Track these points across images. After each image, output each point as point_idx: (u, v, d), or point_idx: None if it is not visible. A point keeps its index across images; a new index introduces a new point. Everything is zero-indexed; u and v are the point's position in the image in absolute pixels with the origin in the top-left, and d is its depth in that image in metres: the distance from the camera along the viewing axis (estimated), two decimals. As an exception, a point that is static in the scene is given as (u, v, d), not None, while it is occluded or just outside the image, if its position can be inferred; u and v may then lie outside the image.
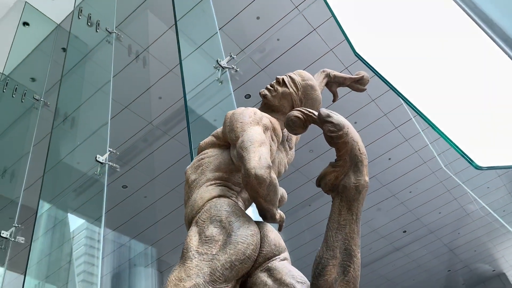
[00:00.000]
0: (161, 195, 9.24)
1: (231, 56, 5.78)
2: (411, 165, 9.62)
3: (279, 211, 1.89)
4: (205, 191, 1.86)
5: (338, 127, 1.45)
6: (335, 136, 1.45)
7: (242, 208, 1.92)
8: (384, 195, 10.32)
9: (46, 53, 8.96)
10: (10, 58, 8.93)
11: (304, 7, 6.85)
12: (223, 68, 5.59)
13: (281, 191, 2.07)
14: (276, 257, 1.70)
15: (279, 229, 1.99)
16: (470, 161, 2.55)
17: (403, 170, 9.75)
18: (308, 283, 1.54)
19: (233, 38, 7.13)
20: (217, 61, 5.66)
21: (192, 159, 4.02)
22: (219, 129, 2.07)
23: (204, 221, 1.71)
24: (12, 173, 8.70)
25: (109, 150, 6.44)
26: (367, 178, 1.46)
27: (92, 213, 7.25)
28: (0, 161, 9.04)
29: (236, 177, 1.93)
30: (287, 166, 2.22)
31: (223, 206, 1.75)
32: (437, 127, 2.66)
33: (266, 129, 1.93)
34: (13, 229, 7.35)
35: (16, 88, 8.72)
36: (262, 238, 1.71)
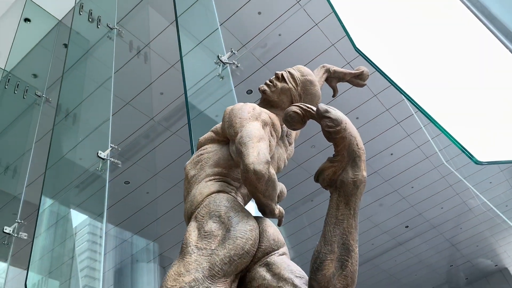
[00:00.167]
0: (163, 191, 9.26)
1: (232, 51, 5.78)
2: (413, 160, 9.61)
3: (278, 206, 1.89)
4: (204, 187, 1.86)
5: (336, 122, 1.45)
6: (333, 131, 1.45)
7: (241, 203, 1.92)
8: (386, 190, 10.31)
9: (47, 49, 8.96)
10: (11, 54, 8.94)
11: (305, 2, 6.83)
12: (224, 63, 5.59)
13: (280, 186, 2.07)
14: (275, 252, 1.71)
15: (279, 224, 1.99)
16: (470, 156, 2.55)
17: (405, 165, 9.74)
18: (307, 277, 1.54)
19: (234, 33, 7.12)
20: (218, 56, 5.65)
21: (193, 155, 4.02)
22: (218, 125, 2.08)
23: (203, 216, 1.72)
24: (15, 169, 8.73)
25: (111, 146, 6.45)
26: (365, 173, 1.46)
27: (94, 209, 7.28)
28: (2, 157, 9.07)
29: (235, 173, 1.94)
30: (286, 161, 2.22)
31: (222, 201, 1.76)
32: (437, 122, 2.65)
33: (265, 124, 1.94)
34: (16, 225, 7.39)
35: (18, 84, 8.74)
36: (261, 233, 1.72)
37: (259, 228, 1.72)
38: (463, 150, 2.62)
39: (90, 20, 8.09)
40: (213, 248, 1.59)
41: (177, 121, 8.22)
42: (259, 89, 2.20)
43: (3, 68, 9.06)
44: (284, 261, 1.66)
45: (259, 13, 7.13)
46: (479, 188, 10.23)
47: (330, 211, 1.48)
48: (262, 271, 1.64)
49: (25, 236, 7.38)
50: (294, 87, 2.16)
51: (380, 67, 3.49)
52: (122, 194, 9.16)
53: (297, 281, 1.54)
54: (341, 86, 2.68)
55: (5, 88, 8.83)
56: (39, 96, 8.62)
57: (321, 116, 1.49)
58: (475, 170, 9.19)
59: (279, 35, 7.21)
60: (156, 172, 9.01)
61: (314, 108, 1.55)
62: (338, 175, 1.49)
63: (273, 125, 2.01)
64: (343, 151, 1.47)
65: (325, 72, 2.52)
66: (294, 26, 7.08)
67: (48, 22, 8.98)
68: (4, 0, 8.91)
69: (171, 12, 6.80)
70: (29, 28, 8.92)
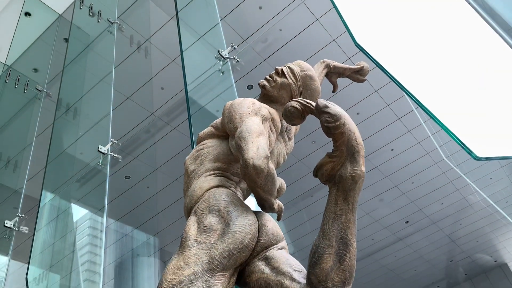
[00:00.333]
0: (164, 186, 9.29)
1: (232, 46, 5.77)
2: (414, 156, 9.61)
3: (277, 201, 1.90)
4: (204, 181, 1.87)
5: (335, 117, 1.45)
6: (332, 127, 1.45)
7: (241, 198, 1.93)
8: (387, 185, 10.33)
9: (48, 43, 8.95)
10: (12, 48, 8.93)
11: (306, -3, 6.81)
12: (224, 58, 5.58)
13: (280, 181, 2.08)
14: (274, 246, 1.72)
15: (278, 219, 2.00)
16: (469, 152, 2.55)
17: (405, 161, 9.75)
18: (305, 271, 1.55)
19: (235, 28, 7.10)
20: (218, 51, 5.65)
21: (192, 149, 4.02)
22: (218, 120, 2.08)
23: (203, 211, 1.73)
24: (16, 164, 8.75)
25: (111, 141, 6.46)
26: (363, 168, 1.47)
27: (95, 203, 7.31)
28: (3, 151, 9.09)
29: (235, 168, 1.95)
30: (286, 156, 2.22)
31: (221, 196, 1.76)
32: (436, 118, 2.66)
33: (264, 119, 1.94)
34: (16, 218, 7.42)
35: (18, 78, 8.74)
36: (260, 227, 1.73)
37: (258, 222, 1.73)
38: (463, 145, 2.63)
39: (90, 14, 8.08)
40: (212, 242, 1.60)
41: (178, 116, 8.23)
42: (259, 84, 2.20)
43: (4, 63, 9.06)
44: (283, 255, 1.67)
45: (260, 7, 7.11)
46: (479, 184, 10.24)
47: (329, 205, 1.49)
48: (261, 265, 1.65)
49: (26, 230, 7.41)
50: (294, 82, 2.16)
51: (380, 63, 3.49)
52: (122, 188, 9.18)
53: (295, 275, 1.55)
54: (342, 81, 2.68)
55: (6, 82, 8.84)
56: (40, 91, 8.62)
57: (320, 111, 1.49)
58: (475, 166, 9.19)
59: (280, 30, 7.20)
60: (157, 167, 9.03)
61: (314, 103, 1.56)
62: (337, 170, 1.49)
63: (272, 120, 2.01)
64: (342, 146, 1.48)
65: (325, 67, 2.52)
66: (295, 21, 7.07)
67: (49, 16, 8.97)
68: (4, -6, 8.90)
69: (171, 6, 6.79)
70: (30, 22, 8.90)
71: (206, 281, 1.52)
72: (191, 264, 1.55)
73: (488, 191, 10.47)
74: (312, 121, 1.74)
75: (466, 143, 2.75)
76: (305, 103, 1.59)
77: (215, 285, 1.53)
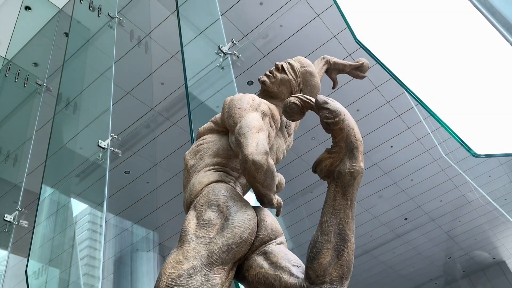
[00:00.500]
0: (163, 181, 9.30)
1: (233, 42, 5.77)
2: (413, 153, 9.62)
3: (276, 196, 1.91)
4: (204, 176, 1.88)
5: (335, 113, 1.46)
6: (331, 123, 1.46)
7: (240, 193, 1.94)
8: (386, 182, 10.34)
9: (48, 38, 8.94)
10: (12, 42, 8.92)
11: (307, -7, 6.80)
12: (225, 54, 5.58)
13: (279, 177, 2.09)
14: (273, 241, 1.73)
15: (277, 214, 2.01)
16: (468, 149, 2.56)
17: (405, 158, 9.76)
18: (303, 266, 1.56)
19: (236, 23, 7.09)
20: (219, 47, 5.64)
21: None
22: (218, 115, 2.09)
23: (202, 206, 1.74)
24: (15, 158, 8.76)
25: (111, 136, 6.47)
26: (362, 164, 1.48)
27: (95, 198, 7.32)
28: (3, 145, 9.09)
29: (234, 163, 1.95)
30: (285, 152, 2.23)
31: (221, 191, 1.77)
32: (436, 115, 2.66)
33: (264, 115, 1.95)
34: (16, 213, 7.43)
35: (18, 73, 8.73)
36: (259, 222, 1.73)
37: (257, 217, 1.74)
38: (461, 143, 2.64)
39: (91, 9, 8.07)
40: (211, 236, 1.61)
41: (178, 112, 8.23)
42: (259, 79, 2.20)
43: (4, 57, 9.05)
44: (281, 250, 1.68)
45: (261, 3, 7.10)
46: (478, 181, 10.25)
47: (328, 201, 1.50)
48: (260, 260, 1.66)
49: (25, 224, 7.43)
50: (293, 78, 2.17)
51: (381, 59, 3.49)
52: (122, 183, 9.20)
53: (294, 270, 1.56)
54: (342, 78, 2.69)
55: (6, 76, 8.83)
56: (40, 85, 8.62)
57: (319, 107, 1.50)
58: (474, 163, 9.21)
59: (281, 26, 7.19)
60: (156, 162, 9.04)
61: (313, 99, 1.56)
62: (335, 166, 1.50)
63: (272, 116, 2.02)
64: (341, 142, 1.48)
65: (325, 63, 2.52)
66: (296, 17, 7.05)
67: (49, 11, 8.95)
68: (4, -12, 8.87)
69: (172, 1, 6.78)
70: (30, 17, 8.88)
71: (205, 275, 1.53)
72: (190, 258, 1.56)
73: (487, 189, 10.49)
74: (311, 117, 1.75)
75: (465, 141, 2.76)
76: (305, 99, 1.60)
77: (213, 279, 1.54)
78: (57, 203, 7.09)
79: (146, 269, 10.84)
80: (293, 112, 1.63)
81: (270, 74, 2.19)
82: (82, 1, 8.20)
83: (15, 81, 8.69)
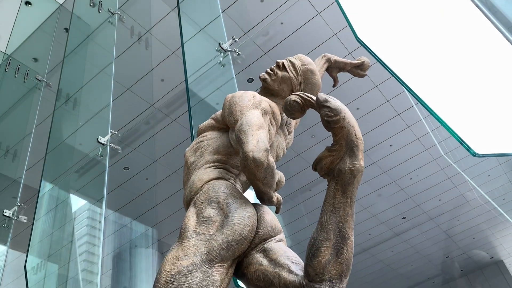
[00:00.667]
0: (163, 177, 9.30)
1: (233, 39, 5.76)
2: (412, 152, 9.63)
3: (276, 194, 1.91)
4: (204, 173, 1.88)
5: (335, 112, 1.46)
6: (332, 121, 1.47)
7: (240, 190, 1.94)
8: (385, 181, 10.35)
9: (48, 33, 8.92)
10: (12, 37, 8.91)
11: (308, -9, 6.79)
12: (225, 51, 5.58)
13: (279, 174, 2.09)
14: (272, 238, 1.74)
15: (277, 212, 2.01)
16: (468, 148, 2.57)
17: (404, 157, 9.76)
18: (303, 264, 1.57)
19: (236, 20, 7.08)
20: (219, 44, 5.64)
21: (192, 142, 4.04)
22: (219, 112, 2.09)
23: (202, 202, 1.74)
24: (15, 153, 8.76)
25: (111, 132, 6.47)
26: (362, 163, 1.48)
27: (94, 194, 7.32)
28: (2, 141, 9.09)
29: (235, 160, 1.96)
30: (285, 150, 2.23)
31: (221, 188, 1.78)
32: (436, 114, 2.67)
33: (265, 113, 1.95)
34: (15, 208, 7.44)
35: (18, 68, 8.72)
36: (259, 219, 1.74)
37: (257, 214, 1.74)
38: (461, 142, 2.64)
39: (91, 4, 8.05)
40: (211, 233, 1.62)
41: (178, 108, 8.22)
42: (259, 77, 2.20)
43: (4, 52, 9.04)
44: (280, 248, 1.68)
45: (262, 0, 7.09)
46: (477, 181, 10.27)
47: (327, 199, 1.50)
48: (259, 257, 1.66)
49: (24, 219, 7.44)
50: (294, 76, 2.17)
51: (381, 58, 3.49)
52: (121, 179, 9.20)
53: (293, 267, 1.57)
54: (342, 76, 2.69)
55: (6, 71, 8.82)
56: (40, 80, 8.61)
57: (320, 106, 1.50)
58: (474, 163, 9.22)
59: (281, 23, 7.18)
60: (156, 159, 9.04)
61: (314, 97, 1.57)
62: (335, 164, 1.50)
63: (273, 113, 2.02)
64: (342, 140, 1.49)
65: (326, 61, 2.52)
66: (297, 15, 7.04)
67: (49, 6, 8.94)
68: (5, -18, 8.85)
69: (173, -2, 6.77)
70: (30, 12, 8.87)
71: (204, 271, 1.54)
72: (190, 254, 1.57)
73: (485, 188, 10.51)
74: (311, 115, 1.75)
75: (465, 140, 2.77)
76: (306, 97, 1.60)
77: (213, 275, 1.55)
78: (56, 198, 7.10)
79: (145, 266, 10.86)
80: (294, 110, 1.64)
81: (271, 72, 2.19)
82: (82, -3, 8.19)
83: (15, 76, 8.68)
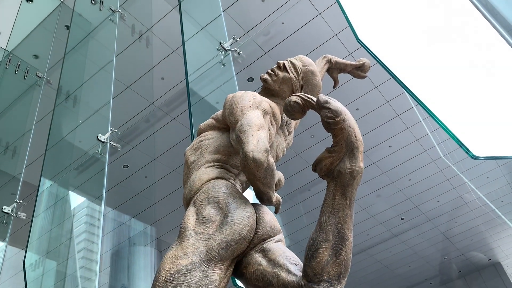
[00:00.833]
0: (162, 176, 9.31)
1: (234, 38, 5.76)
2: (412, 153, 9.64)
3: (275, 194, 1.92)
4: (204, 173, 1.89)
5: (336, 113, 1.47)
6: (332, 122, 1.47)
7: (240, 190, 1.95)
8: (384, 182, 10.36)
9: (49, 30, 8.92)
10: (13, 34, 8.90)
11: (309, -9, 6.79)
12: (226, 50, 5.58)
13: (279, 175, 2.10)
14: (271, 238, 1.74)
15: (276, 212, 2.02)
16: (467, 151, 2.58)
17: (403, 158, 9.77)
18: (301, 264, 1.58)
19: (237, 20, 7.08)
20: (220, 43, 5.64)
21: (192, 141, 4.05)
22: (219, 112, 2.09)
23: (202, 202, 1.75)
24: (14, 150, 8.76)
25: (111, 130, 6.47)
26: (362, 164, 1.49)
27: (93, 192, 7.33)
28: (2, 137, 9.09)
29: (235, 160, 1.96)
30: (285, 150, 2.24)
31: (221, 187, 1.78)
32: (435, 116, 2.67)
33: (265, 113, 1.95)
34: (14, 204, 7.44)
35: (19, 64, 8.72)
36: (258, 219, 1.75)
37: (257, 214, 1.75)
38: (460, 144, 2.65)
39: (92, 2, 8.05)
40: (210, 233, 1.63)
41: (178, 107, 8.23)
42: (260, 77, 2.21)
43: (4, 48, 9.03)
44: (279, 248, 1.69)
45: (263, 0, 7.09)
46: (476, 182, 10.28)
47: (327, 200, 1.51)
48: (258, 257, 1.67)
49: (23, 216, 7.44)
50: (295, 76, 2.17)
51: (381, 59, 3.50)
52: (120, 177, 9.20)
53: (292, 267, 1.57)
54: (342, 77, 2.70)
55: (6, 68, 8.82)
56: (40, 77, 8.60)
57: (321, 107, 1.51)
58: (472, 164, 9.23)
59: (282, 23, 7.18)
60: (155, 157, 9.04)
61: (314, 99, 1.57)
62: (335, 165, 1.51)
63: (273, 114, 2.03)
64: (341, 141, 1.49)
65: (327, 62, 2.53)
66: (297, 15, 7.05)
67: (50, 3, 8.93)
68: (6, -21, 8.84)
69: (174, -4, 6.77)
70: (31, 9, 8.87)
71: (203, 271, 1.54)
72: (189, 254, 1.57)
73: (484, 190, 10.52)
74: (311, 115, 1.76)
75: (464, 142, 2.78)
76: (306, 98, 1.61)
77: (212, 275, 1.55)
78: (56, 195, 7.10)
79: (143, 263, 10.87)
80: (294, 111, 1.64)
81: (271, 72, 2.20)
82: (84, -6, 8.19)
83: (15, 73, 8.68)
